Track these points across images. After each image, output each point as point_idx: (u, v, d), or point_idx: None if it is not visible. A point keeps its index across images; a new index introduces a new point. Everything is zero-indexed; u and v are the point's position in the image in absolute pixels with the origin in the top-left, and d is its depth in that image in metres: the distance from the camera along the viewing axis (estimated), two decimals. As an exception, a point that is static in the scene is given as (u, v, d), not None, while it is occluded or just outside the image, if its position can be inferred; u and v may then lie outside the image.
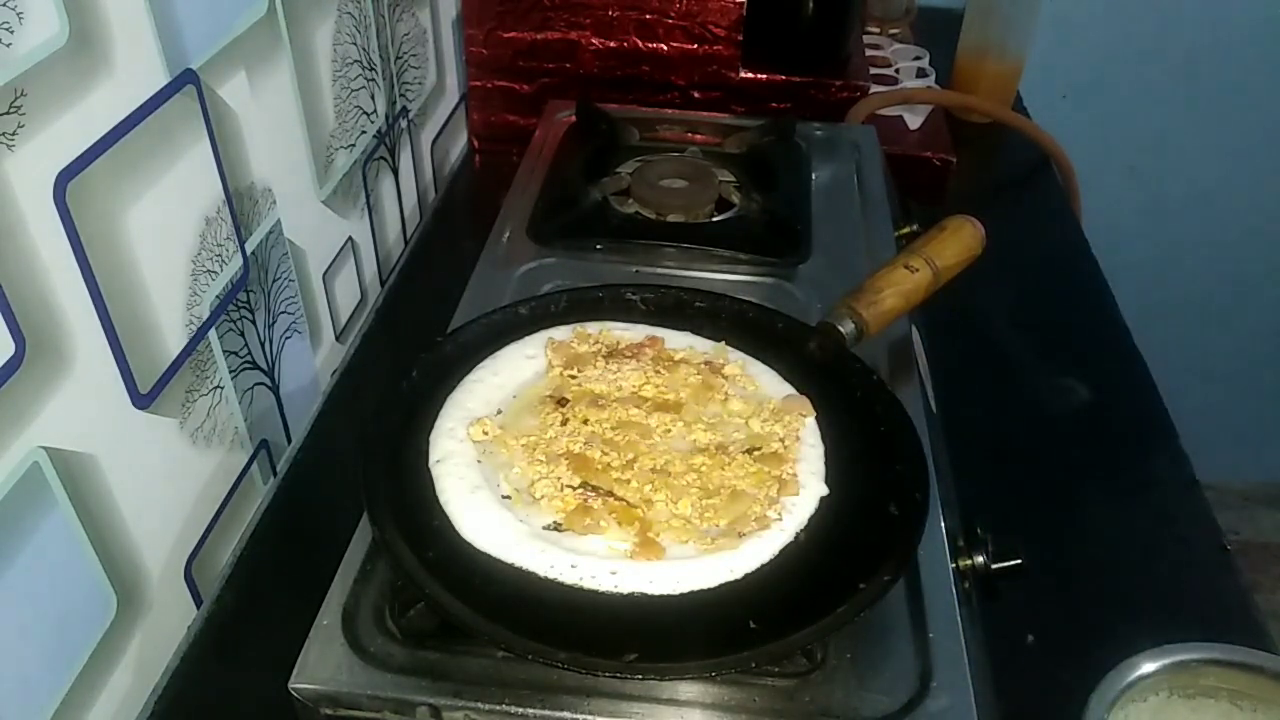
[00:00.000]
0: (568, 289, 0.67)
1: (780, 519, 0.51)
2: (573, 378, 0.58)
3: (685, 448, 0.54)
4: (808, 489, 0.52)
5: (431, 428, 0.55)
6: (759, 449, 0.54)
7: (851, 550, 0.49)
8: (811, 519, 0.51)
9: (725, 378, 0.59)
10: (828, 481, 0.53)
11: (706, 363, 0.60)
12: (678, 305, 0.65)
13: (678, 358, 0.60)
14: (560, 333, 0.62)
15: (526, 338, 0.61)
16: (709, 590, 0.47)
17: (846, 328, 0.61)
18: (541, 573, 0.47)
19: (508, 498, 0.51)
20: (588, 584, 0.47)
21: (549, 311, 0.64)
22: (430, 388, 0.58)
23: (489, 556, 0.48)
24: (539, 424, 0.55)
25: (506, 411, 0.56)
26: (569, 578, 0.47)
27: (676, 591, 0.47)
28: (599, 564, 0.48)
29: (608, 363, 0.59)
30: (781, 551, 0.49)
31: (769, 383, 0.60)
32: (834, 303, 0.63)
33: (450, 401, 0.56)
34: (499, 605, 0.46)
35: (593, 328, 0.62)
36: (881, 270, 0.64)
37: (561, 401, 0.56)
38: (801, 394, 0.58)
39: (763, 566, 0.49)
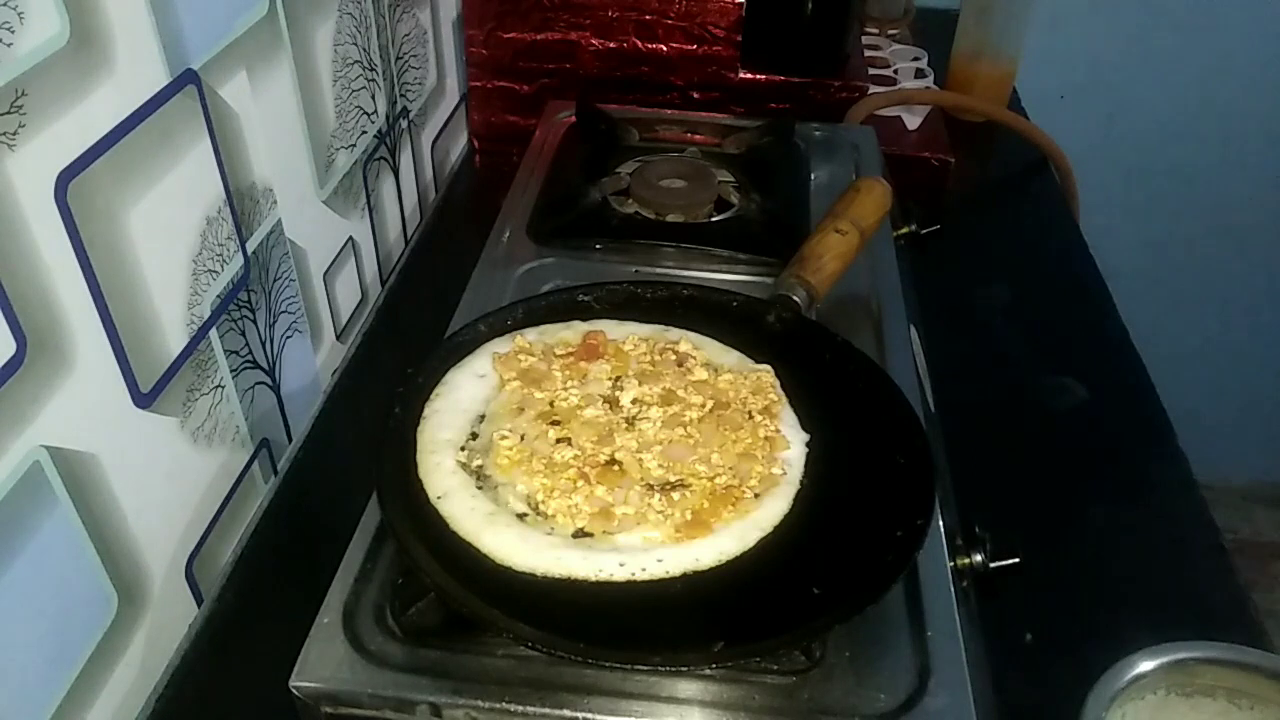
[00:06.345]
0: (523, 299, 0.65)
1: (784, 472, 0.53)
2: (536, 392, 0.57)
3: (674, 426, 0.55)
4: (795, 441, 0.55)
5: (416, 464, 0.53)
6: (739, 411, 0.56)
7: (863, 494, 0.52)
8: (809, 467, 0.54)
9: (679, 354, 0.60)
10: (808, 431, 0.56)
11: (666, 347, 0.60)
12: (630, 300, 0.65)
13: (626, 347, 0.60)
14: (501, 345, 0.61)
15: (476, 355, 0.60)
16: (751, 553, 0.49)
17: (799, 295, 0.64)
18: (592, 577, 0.47)
19: (523, 516, 0.51)
20: (640, 576, 0.48)
21: (506, 325, 0.63)
22: (409, 421, 0.56)
23: (533, 575, 0.48)
24: (523, 437, 0.54)
25: (481, 434, 0.55)
26: (620, 575, 0.48)
27: (722, 561, 0.49)
28: (643, 556, 0.48)
29: (565, 371, 0.58)
30: (796, 499, 0.52)
31: (726, 354, 0.61)
32: (780, 274, 0.66)
33: (423, 435, 0.55)
34: (574, 624, 0.46)
35: (531, 334, 0.61)
36: (816, 237, 0.68)
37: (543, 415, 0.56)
38: (765, 362, 0.60)
39: (786, 518, 0.51)
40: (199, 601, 0.63)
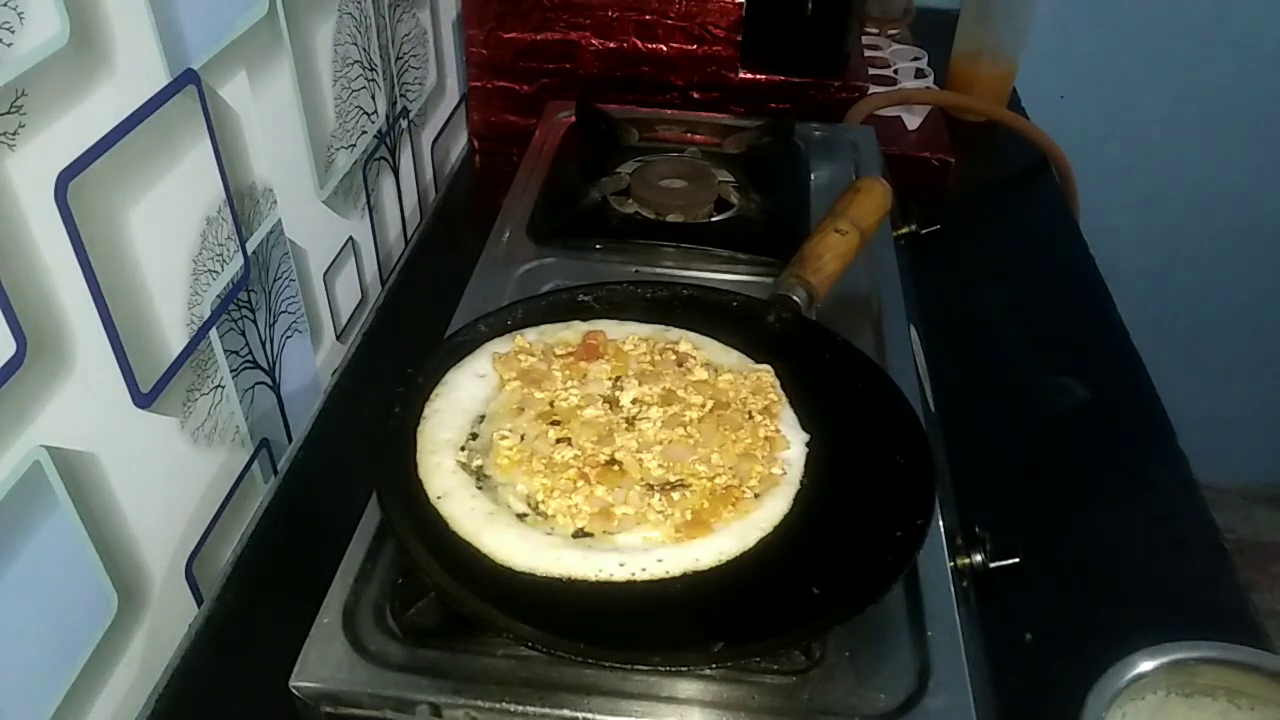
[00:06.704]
0: (523, 299, 0.65)
1: (784, 472, 0.53)
2: (536, 392, 0.57)
3: (674, 426, 0.55)
4: (795, 441, 0.55)
5: (416, 464, 0.53)
6: (739, 411, 0.56)
7: (863, 494, 0.52)
8: (809, 467, 0.54)
9: (679, 354, 0.60)
10: (808, 431, 0.56)
11: (666, 347, 0.60)
12: (630, 300, 0.65)
13: (626, 347, 0.60)
14: (501, 345, 0.61)
15: (476, 355, 0.60)
16: (751, 553, 0.49)
17: (799, 295, 0.64)
18: (592, 577, 0.47)
19: (523, 516, 0.51)
20: (640, 576, 0.48)
21: (506, 325, 0.63)
22: (410, 421, 0.56)
23: (533, 575, 0.48)
24: (523, 437, 0.54)
25: (481, 434, 0.55)
26: (620, 575, 0.47)
27: (722, 561, 0.49)
28: (643, 556, 0.48)
29: (565, 371, 0.58)
30: (795, 499, 0.52)
31: (726, 354, 0.61)
32: (780, 274, 0.66)
33: (423, 435, 0.55)
34: (574, 624, 0.45)
35: (531, 334, 0.61)
36: (816, 237, 0.68)
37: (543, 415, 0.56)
38: (765, 362, 0.60)
39: (786, 518, 0.51)
40: (199, 601, 0.63)
